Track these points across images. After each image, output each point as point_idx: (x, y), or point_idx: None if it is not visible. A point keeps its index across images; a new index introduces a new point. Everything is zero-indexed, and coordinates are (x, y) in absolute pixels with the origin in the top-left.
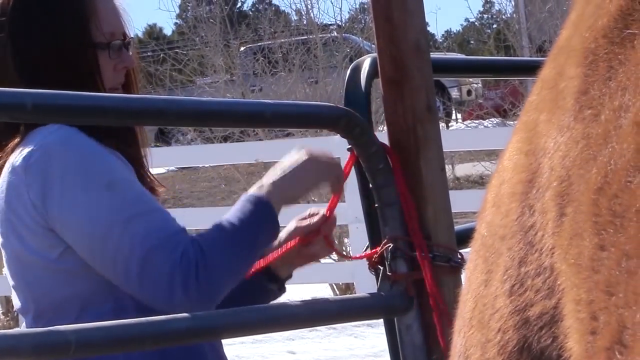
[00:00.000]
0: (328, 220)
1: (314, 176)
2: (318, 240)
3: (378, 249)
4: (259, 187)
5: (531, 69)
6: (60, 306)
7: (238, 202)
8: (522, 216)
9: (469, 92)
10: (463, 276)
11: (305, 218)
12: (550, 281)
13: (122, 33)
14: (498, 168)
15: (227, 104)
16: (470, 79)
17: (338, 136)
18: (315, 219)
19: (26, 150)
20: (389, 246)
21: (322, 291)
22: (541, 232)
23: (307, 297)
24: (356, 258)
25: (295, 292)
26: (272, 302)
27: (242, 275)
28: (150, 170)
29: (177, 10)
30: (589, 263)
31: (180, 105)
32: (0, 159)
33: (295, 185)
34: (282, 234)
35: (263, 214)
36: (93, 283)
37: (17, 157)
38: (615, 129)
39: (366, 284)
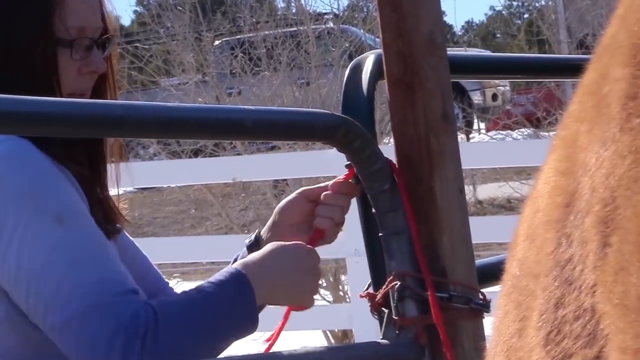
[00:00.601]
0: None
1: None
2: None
3: (382, 288)
4: (244, 263)
5: (570, 68)
6: None
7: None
8: (558, 248)
9: (494, 97)
10: (486, 321)
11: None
12: (591, 326)
13: (97, 29)
14: (532, 194)
15: (198, 110)
16: (496, 81)
17: (334, 150)
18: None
19: None
20: (396, 284)
21: (315, 339)
22: (580, 267)
23: (297, 347)
24: (358, 298)
25: (284, 340)
26: (255, 354)
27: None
28: (113, 193)
29: None
30: (636, 304)
31: (140, 111)
32: None
33: (285, 281)
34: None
35: (240, 289)
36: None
37: None
38: None
39: (367, 331)
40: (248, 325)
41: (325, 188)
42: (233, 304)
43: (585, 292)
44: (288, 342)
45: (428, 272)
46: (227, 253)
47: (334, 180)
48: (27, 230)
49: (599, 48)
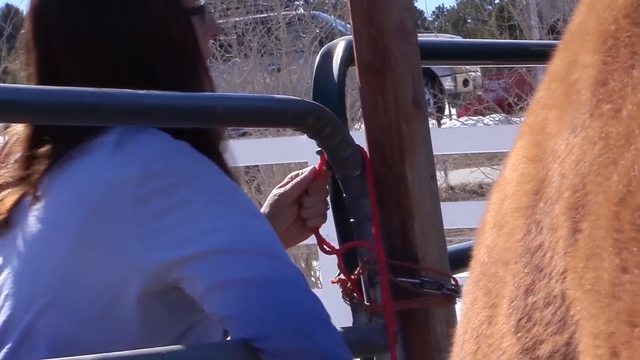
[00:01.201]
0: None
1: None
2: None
3: (354, 274)
4: None
5: (541, 54)
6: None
7: None
8: (528, 235)
9: (465, 83)
10: (458, 306)
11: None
12: (561, 312)
13: None
14: (499, 181)
15: (169, 97)
16: (467, 67)
17: (305, 136)
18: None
19: (130, 158)
20: (367, 270)
21: None
22: (550, 253)
23: None
24: (330, 283)
25: None
26: None
27: None
28: None
29: None
30: (608, 288)
31: (112, 98)
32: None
33: None
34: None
35: None
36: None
37: (105, 167)
38: (639, 127)
39: (339, 317)
40: None
41: (302, 184)
42: None
43: (556, 278)
44: None
45: (399, 259)
46: None
47: (312, 181)
48: (245, 220)
49: (566, 35)
